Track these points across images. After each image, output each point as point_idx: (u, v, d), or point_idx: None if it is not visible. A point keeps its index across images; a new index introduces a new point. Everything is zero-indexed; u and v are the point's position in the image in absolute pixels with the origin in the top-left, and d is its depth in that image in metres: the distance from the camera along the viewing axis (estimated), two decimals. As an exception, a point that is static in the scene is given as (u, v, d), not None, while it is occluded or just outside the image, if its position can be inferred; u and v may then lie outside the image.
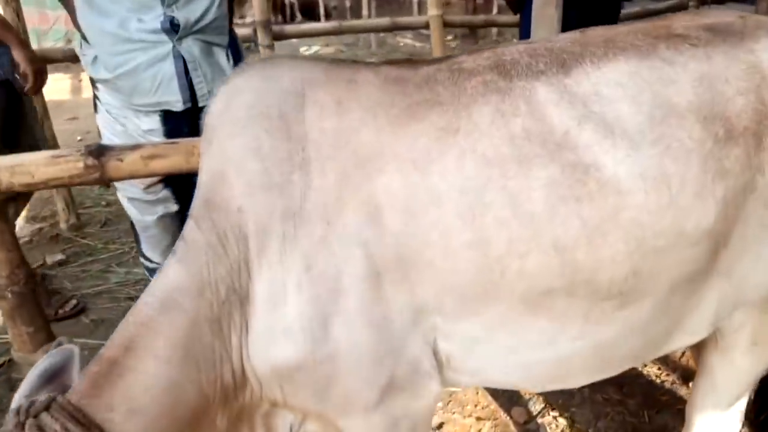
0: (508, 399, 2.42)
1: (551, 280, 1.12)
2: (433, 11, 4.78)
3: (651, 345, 1.29)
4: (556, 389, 1.47)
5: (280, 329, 1.12)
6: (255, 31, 4.38)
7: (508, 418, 2.33)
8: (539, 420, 2.31)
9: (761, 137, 1.14)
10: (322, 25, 7.18)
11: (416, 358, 1.20)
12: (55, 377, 1.11)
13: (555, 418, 2.32)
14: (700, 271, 1.19)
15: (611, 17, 3.17)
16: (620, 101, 1.12)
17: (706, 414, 1.50)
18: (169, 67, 1.95)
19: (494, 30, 10.30)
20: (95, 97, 2.11)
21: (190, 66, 1.98)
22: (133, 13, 1.88)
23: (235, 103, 1.15)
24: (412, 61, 1.25)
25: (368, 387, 1.17)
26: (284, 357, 1.12)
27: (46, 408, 1.01)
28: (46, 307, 2.74)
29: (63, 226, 4.21)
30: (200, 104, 2.01)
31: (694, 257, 1.15)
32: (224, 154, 1.14)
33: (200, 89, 2.03)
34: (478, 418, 2.33)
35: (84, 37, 1.99)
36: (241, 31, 4.26)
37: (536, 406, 2.38)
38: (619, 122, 1.11)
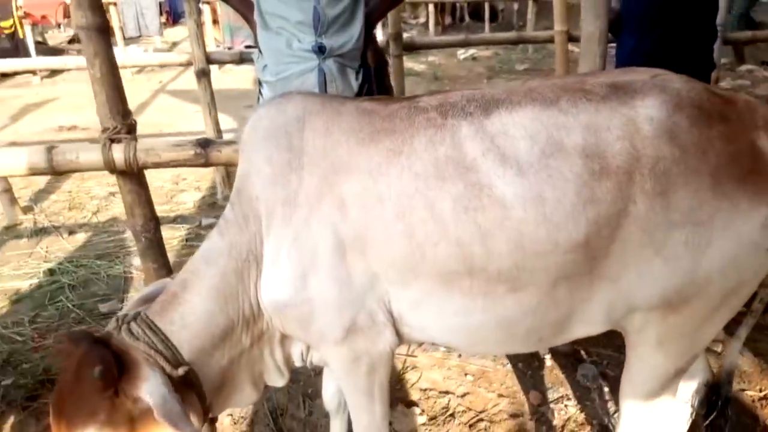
0: (532, 384, 2.75)
1: (456, 265, 1.52)
2: (558, 27, 5.00)
3: (551, 327, 1.61)
4: (483, 353, 1.83)
5: (276, 278, 1.64)
6: (388, 42, 4.94)
7: (525, 399, 2.67)
8: (552, 405, 2.62)
9: (632, 174, 1.43)
10: (449, 38, 7.59)
11: (373, 311, 1.66)
12: (150, 300, 1.75)
13: (566, 406, 2.61)
14: (580, 273, 1.50)
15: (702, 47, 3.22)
16: (520, 139, 1.48)
17: (627, 404, 1.76)
18: (313, 79, 2.54)
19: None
20: (259, 92, 2.79)
21: (328, 79, 2.58)
22: (295, 36, 2.50)
23: (258, 126, 1.69)
24: (388, 98, 1.70)
25: (335, 326, 1.65)
26: (276, 297, 1.65)
27: (134, 318, 1.65)
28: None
29: (219, 196, 5.17)
30: None
31: (569, 262, 1.48)
32: (250, 160, 1.68)
33: None
34: (500, 395, 2.69)
35: (260, 50, 2.67)
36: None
37: (554, 394, 2.69)
38: (514, 155, 1.47)
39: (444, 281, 1.56)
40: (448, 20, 14.96)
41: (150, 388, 1.47)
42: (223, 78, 9.90)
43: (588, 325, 1.63)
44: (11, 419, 2.60)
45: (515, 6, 13.31)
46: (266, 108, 1.70)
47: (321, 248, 1.58)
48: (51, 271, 3.93)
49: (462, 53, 10.75)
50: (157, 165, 2.29)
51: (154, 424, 1.47)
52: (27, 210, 4.92)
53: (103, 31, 2.24)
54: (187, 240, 4.42)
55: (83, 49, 2.22)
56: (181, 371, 1.54)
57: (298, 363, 1.91)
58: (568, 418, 2.54)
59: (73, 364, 1.51)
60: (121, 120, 2.29)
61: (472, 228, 1.48)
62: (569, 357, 2.89)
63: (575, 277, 1.51)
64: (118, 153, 2.25)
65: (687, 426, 1.98)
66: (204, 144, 2.28)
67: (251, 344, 1.78)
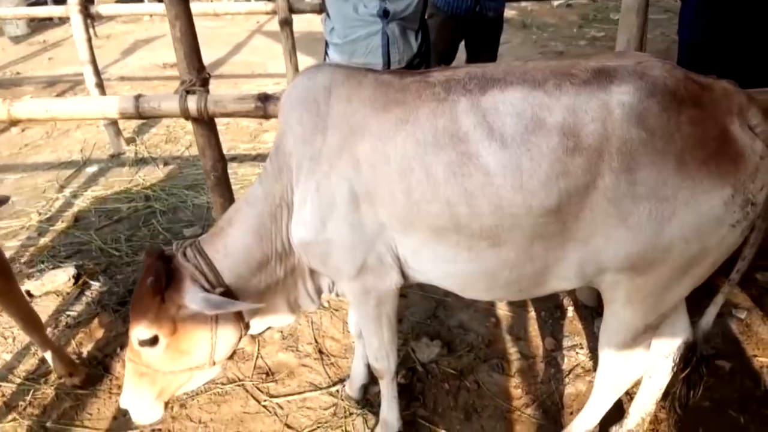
0: (550, 331, 3.00)
1: (445, 221, 1.78)
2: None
3: (529, 280, 1.84)
4: (474, 297, 2.10)
5: (301, 221, 1.96)
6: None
7: (540, 343, 2.92)
8: (564, 352, 2.87)
9: (601, 152, 1.61)
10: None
11: (382, 253, 1.96)
12: None
13: (577, 354, 2.85)
14: (553, 234, 1.72)
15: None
16: (507, 115, 1.68)
17: (603, 351, 2.00)
18: (377, 40, 2.82)
19: None
20: (326, 53, 3.08)
21: (390, 41, 2.84)
22: (361, 1, 2.76)
23: (293, 92, 1.97)
24: (404, 72, 1.94)
25: (349, 264, 1.97)
26: (301, 236, 1.98)
27: (191, 245, 2.03)
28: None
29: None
30: (391, 67, 2.86)
31: (543, 224, 1.69)
32: (286, 121, 1.98)
33: (393, 58, 2.88)
34: (518, 338, 2.97)
35: (328, 14, 2.94)
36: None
37: (568, 342, 2.92)
38: (500, 129, 1.68)
39: (436, 234, 1.83)
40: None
41: (190, 297, 1.87)
42: (315, 20, 10.16)
43: (563, 280, 1.86)
44: (104, 320, 3.17)
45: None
46: (300, 78, 1.99)
47: (338, 198, 1.88)
48: (146, 197, 4.51)
49: (557, 0, 10.42)
50: (224, 114, 2.65)
51: (191, 327, 1.89)
52: (130, 141, 5.53)
53: (183, -3, 2.58)
54: (263, 177, 4.86)
55: (166, 12, 2.58)
56: (217, 291, 1.92)
57: (326, 292, 2.26)
58: (577, 364, 2.79)
59: (143, 272, 1.95)
60: (196, 74, 2.66)
61: (459, 190, 1.73)
62: (591, 310, 3.10)
63: (549, 237, 1.74)
64: (192, 103, 2.63)
65: (667, 379, 2.18)
66: (263, 98, 2.62)
67: (285, 275, 2.13)
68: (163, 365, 1.96)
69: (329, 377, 2.76)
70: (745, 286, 3.20)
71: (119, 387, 2.74)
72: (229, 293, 1.98)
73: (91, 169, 5.06)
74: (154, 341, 1.90)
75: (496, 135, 1.69)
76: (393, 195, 1.82)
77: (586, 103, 1.64)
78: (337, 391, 2.67)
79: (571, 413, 2.54)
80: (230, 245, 2.02)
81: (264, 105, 2.63)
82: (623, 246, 1.71)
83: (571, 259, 1.79)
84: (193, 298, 1.88)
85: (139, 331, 1.89)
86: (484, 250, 1.80)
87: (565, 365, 2.79)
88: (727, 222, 1.66)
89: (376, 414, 2.48)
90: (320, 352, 2.92)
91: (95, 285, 3.47)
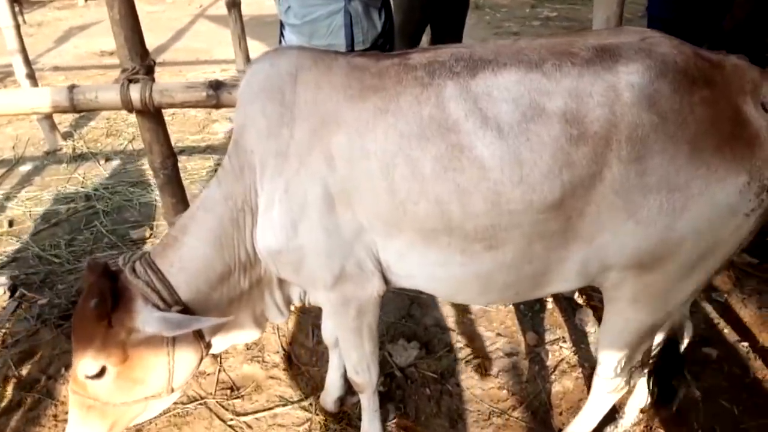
0: (531, 325, 2.86)
1: (435, 222, 1.58)
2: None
3: (527, 282, 1.68)
4: (464, 302, 1.93)
5: (269, 227, 1.73)
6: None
7: (522, 339, 2.78)
8: (547, 347, 2.73)
9: (609, 140, 1.45)
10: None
11: (361, 259, 1.75)
12: None
13: (561, 348, 2.72)
14: (555, 232, 1.55)
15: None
16: (502, 102, 1.50)
17: (604, 353, 1.86)
18: (339, 20, 2.58)
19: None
20: (281, 35, 2.81)
21: (353, 20, 2.61)
22: None
23: (253, 80, 1.73)
24: (379, 54, 1.73)
25: (325, 272, 1.75)
26: (269, 243, 1.75)
27: (140, 258, 1.78)
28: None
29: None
30: (355, 48, 2.64)
31: (544, 221, 1.53)
32: (245, 113, 1.73)
33: (357, 38, 2.64)
34: (498, 334, 2.81)
35: None
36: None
37: (551, 336, 2.79)
38: (495, 117, 1.49)
39: (424, 237, 1.63)
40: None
41: (144, 319, 1.62)
42: (264, 2, 9.77)
43: (564, 281, 1.70)
44: (45, 337, 2.86)
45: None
46: (261, 63, 1.75)
47: (310, 199, 1.65)
48: (87, 197, 4.16)
49: (507, -20, 10.31)
50: (171, 105, 2.39)
51: (145, 353, 1.64)
52: (66, 136, 5.12)
53: (120, -26, 2.29)
54: (215, 171, 4.56)
55: (100, -9, 2.28)
56: (173, 310, 1.67)
57: (297, 303, 2.04)
58: (562, 360, 2.65)
59: (85, 292, 1.68)
60: (140, 61, 2.38)
61: (450, 187, 1.54)
62: (570, 301, 2.97)
63: (550, 236, 1.57)
64: (135, 93, 2.35)
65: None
66: (216, 86, 2.36)
67: (250, 287, 1.90)
68: (114, 397, 1.71)
69: (300, 389, 2.55)
70: (723, 269, 3.13)
71: (66, 413, 2.46)
72: (187, 311, 1.74)
73: (25, 168, 4.65)
74: (101, 373, 1.65)
75: (491, 124, 1.50)
76: (374, 194, 1.61)
77: (590, 86, 1.47)
78: (311, 404, 2.46)
79: (561, 413, 2.40)
80: (186, 257, 1.77)
81: (216, 93, 2.38)
82: (631, 242, 1.56)
83: (574, 258, 1.62)
84: (147, 319, 1.63)
85: (85, 364, 1.63)
86: (479, 253, 1.62)
87: (550, 361, 2.65)
88: (741, 211, 1.52)
89: (356, 428, 2.29)
90: (289, 361, 2.70)
91: (34, 297, 3.14)
